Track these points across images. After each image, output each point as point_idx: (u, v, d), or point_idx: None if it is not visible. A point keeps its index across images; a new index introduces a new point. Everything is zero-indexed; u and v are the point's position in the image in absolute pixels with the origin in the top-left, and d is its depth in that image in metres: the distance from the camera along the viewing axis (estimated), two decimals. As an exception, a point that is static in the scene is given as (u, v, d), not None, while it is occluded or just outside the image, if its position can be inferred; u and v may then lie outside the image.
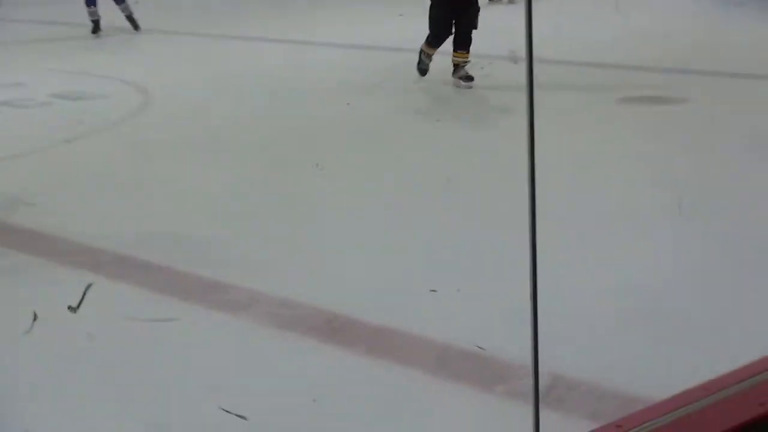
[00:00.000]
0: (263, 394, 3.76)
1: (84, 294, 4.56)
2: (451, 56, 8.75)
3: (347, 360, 4.00)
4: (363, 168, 6.59)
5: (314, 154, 6.82)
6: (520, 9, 1.79)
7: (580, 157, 6.73)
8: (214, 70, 10.28)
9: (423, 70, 8.99)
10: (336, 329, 4.23)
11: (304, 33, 12.39)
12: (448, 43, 8.74)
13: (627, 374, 3.68)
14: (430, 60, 8.93)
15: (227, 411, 3.59)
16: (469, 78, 8.64)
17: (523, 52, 1.89)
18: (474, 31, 8.64)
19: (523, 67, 1.87)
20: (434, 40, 8.82)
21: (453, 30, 8.67)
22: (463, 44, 8.66)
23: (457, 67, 8.73)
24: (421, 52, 8.93)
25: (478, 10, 8.68)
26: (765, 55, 9.19)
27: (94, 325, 4.38)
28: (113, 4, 13.24)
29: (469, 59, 8.67)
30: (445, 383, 3.74)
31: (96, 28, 13.40)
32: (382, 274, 4.73)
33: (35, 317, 4.38)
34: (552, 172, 5.56)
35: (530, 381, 1.95)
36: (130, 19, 13.38)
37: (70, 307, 4.48)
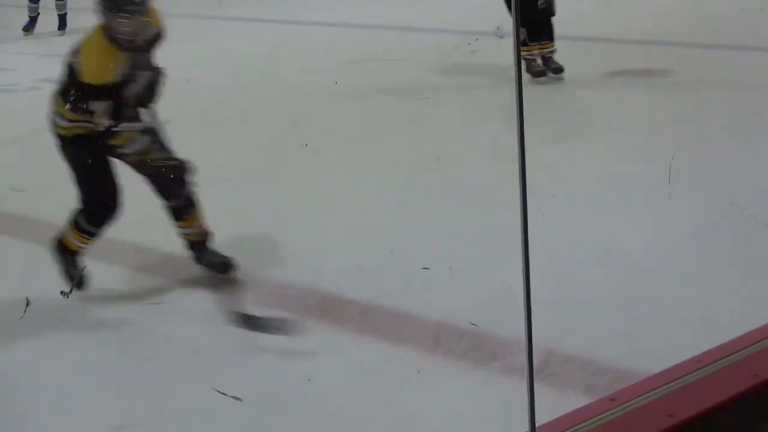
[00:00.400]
0: (257, 375, 3.76)
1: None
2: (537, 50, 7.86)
3: (340, 339, 4.01)
4: (353, 149, 6.58)
5: (305, 136, 6.81)
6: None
7: (569, 131, 6.74)
8: (202, 52, 10.22)
9: (537, 72, 7.85)
10: (327, 309, 4.24)
11: (295, 12, 12.31)
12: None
13: (620, 348, 3.69)
14: (533, 57, 7.87)
15: (222, 393, 3.60)
16: (558, 69, 7.81)
17: (509, 27, 1.88)
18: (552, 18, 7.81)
19: (509, 42, 1.87)
20: (528, 35, 7.78)
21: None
22: (544, 34, 7.83)
23: (545, 59, 7.87)
24: (524, 58, 7.85)
25: None
26: (752, 26, 9.18)
27: (86, 309, 4.39)
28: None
29: (554, 47, 7.84)
30: (439, 360, 3.75)
31: (32, 24, 12.22)
32: (374, 254, 4.73)
33: (28, 303, 4.38)
34: (541, 147, 5.58)
35: (524, 357, 1.96)
36: (62, 18, 12.22)
37: (62, 293, 4.47)
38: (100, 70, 4.16)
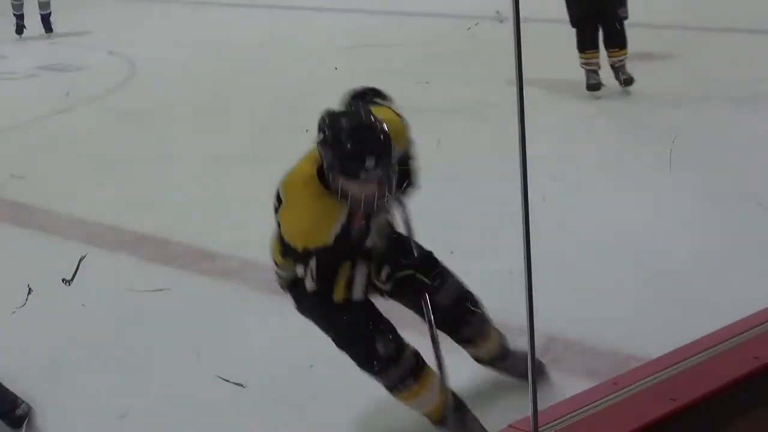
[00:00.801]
0: (260, 362, 3.76)
1: (77, 266, 4.55)
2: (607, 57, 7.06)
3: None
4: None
5: (302, 121, 6.79)
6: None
7: (570, 114, 6.72)
8: (199, 38, 10.20)
9: (591, 85, 7.04)
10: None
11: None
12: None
13: (622, 333, 3.70)
14: (591, 67, 7.03)
15: (225, 379, 3.60)
16: (628, 81, 6.97)
17: (509, 11, 1.87)
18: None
19: (509, 26, 1.86)
20: (578, 41, 7.07)
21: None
22: (613, 40, 6.97)
23: (615, 68, 7.01)
24: (582, 66, 7.11)
25: None
26: (751, 9, 9.15)
27: (88, 297, 4.38)
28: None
29: (626, 55, 6.98)
30: (441, 345, 3.74)
31: (22, 24, 11.23)
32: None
33: (30, 291, 4.38)
34: (542, 130, 5.56)
35: (526, 342, 1.95)
36: (46, 19, 11.16)
37: (64, 280, 4.47)
38: (313, 234, 2.99)
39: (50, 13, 11.12)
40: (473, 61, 8.26)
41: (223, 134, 6.78)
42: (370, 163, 2.87)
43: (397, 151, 2.98)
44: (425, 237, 4.65)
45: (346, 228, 2.97)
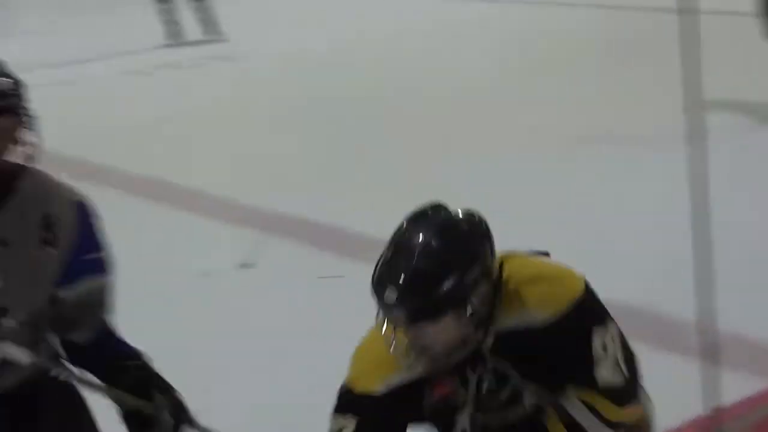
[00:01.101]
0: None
1: (256, 252, 4.67)
2: None
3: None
4: (513, 126, 6.47)
5: (468, 118, 6.73)
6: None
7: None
8: (332, 34, 9.91)
9: None
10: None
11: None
12: None
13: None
14: None
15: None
16: None
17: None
18: None
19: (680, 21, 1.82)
20: None
21: None
22: None
23: None
24: None
25: None
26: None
27: (265, 283, 4.49)
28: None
29: None
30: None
31: (174, 32, 10.19)
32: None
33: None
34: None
35: (699, 338, 1.93)
36: (209, 21, 10.13)
37: (243, 265, 4.60)
38: (365, 375, 2.26)
39: (214, 14, 10.20)
40: (639, 56, 7.81)
41: (403, 127, 6.75)
42: (389, 293, 2.05)
43: (541, 318, 2.06)
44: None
45: (415, 389, 2.14)
